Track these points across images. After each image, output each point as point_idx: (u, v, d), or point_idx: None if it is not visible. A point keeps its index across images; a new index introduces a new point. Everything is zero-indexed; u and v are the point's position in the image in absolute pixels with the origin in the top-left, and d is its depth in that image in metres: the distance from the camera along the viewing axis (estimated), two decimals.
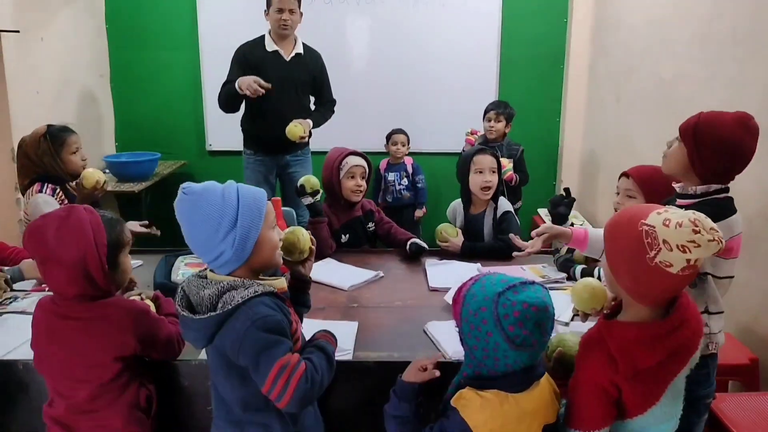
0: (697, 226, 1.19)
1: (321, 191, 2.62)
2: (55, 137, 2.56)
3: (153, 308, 1.73)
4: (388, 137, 4.38)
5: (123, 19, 4.47)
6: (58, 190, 2.57)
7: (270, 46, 3.51)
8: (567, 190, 2.55)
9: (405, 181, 4.36)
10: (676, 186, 1.88)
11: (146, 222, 2.65)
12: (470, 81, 4.54)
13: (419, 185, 4.38)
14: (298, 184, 2.58)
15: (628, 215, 1.28)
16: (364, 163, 2.68)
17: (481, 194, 2.64)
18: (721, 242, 1.20)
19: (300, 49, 3.57)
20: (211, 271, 1.42)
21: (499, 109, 3.88)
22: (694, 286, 1.74)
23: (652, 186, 2.20)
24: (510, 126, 3.92)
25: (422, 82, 4.57)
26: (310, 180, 2.58)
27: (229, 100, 3.46)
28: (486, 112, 3.92)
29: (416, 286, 2.30)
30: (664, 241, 1.19)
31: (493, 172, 2.62)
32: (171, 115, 4.61)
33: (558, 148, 4.71)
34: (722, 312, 1.78)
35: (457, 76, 4.54)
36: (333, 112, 3.75)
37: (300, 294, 1.67)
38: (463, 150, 3.90)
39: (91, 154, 4.12)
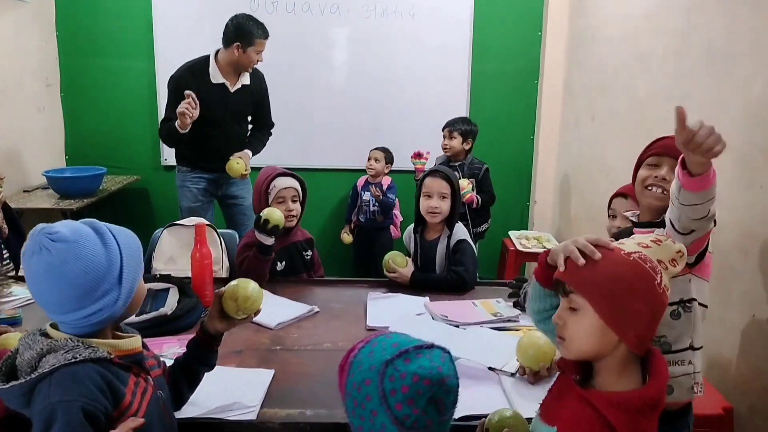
0: (660, 240, 1.13)
1: (282, 227, 2.33)
2: None
3: None
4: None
5: (75, 24, 4.22)
6: None
7: (216, 77, 3.27)
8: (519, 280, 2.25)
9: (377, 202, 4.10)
10: (631, 215, 1.67)
11: None
12: (442, 95, 4.32)
13: (388, 202, 4.06)
14: (261, 218, 2.27)
15: (607, 257, 1.08)
16: (295, 184, 2.44)
17: (429, 218, 2.42)
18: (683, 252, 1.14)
19: (246, 80, 3.35)
20: (52, 326, 1.17)
21: (453, 126, 3.66)
22: (678, 317, 1.53)
23: None
24: (470, 143, 3.69)
25: (393, 96, 4.34)
26: (274, 214, 2.27)
27: (171, 138, 3.24)
28: (443, 129, 3.70)
29: (353, 323, 2.06)
30: (660, 261, 1.09)
31: (444, 197, 2.39)
32: (124, 127, 4.35)
33: (532, 167, 4.49)
34: (702, 347, 1.58)
35: (428, 90, 4.33)
36: (270, 135, 3.57)
37: (205, 352, 1.44)
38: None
39: (35, 168, 3.91)
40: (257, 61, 3.26)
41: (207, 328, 1.44)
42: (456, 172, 3.63)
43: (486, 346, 1.84)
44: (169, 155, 4.34)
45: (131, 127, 4.36)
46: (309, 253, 2.54)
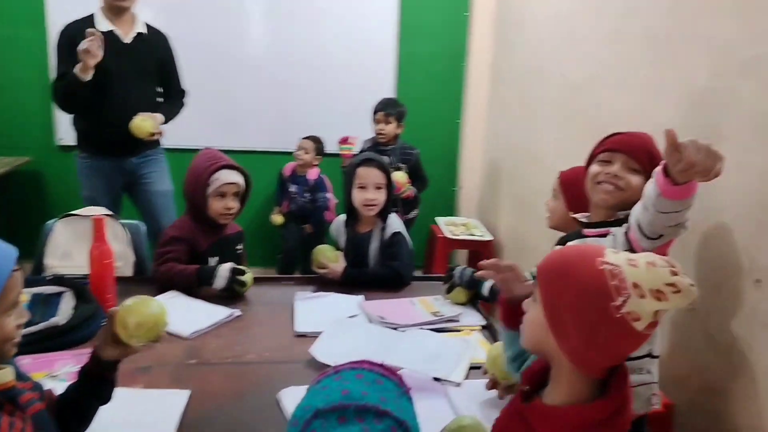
0: (675, 267, 0.91)
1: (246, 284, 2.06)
2: None
3: None
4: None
5: None
6: None
7: (102, 24, 2.84)
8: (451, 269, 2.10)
9: (308, 195, 3.87)
10: (581, 216, 1.55)
11: None
12: (369, 76, 4.11)
13: (318, 203, 3.85)
14: (231, 270, 2.01)
15: (576, 252, 1.00)
16: (240, 179, 2.16)
17: (365, 211, 2.23)
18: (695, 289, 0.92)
19: (142, 29, 2.96)
20: None
21: (388, 108, 3.46)
22: None
23: (572, 188, 1.90)
24: (402, 126, 3.52)
25: (318, 76, 4.09)
26: (249, 278, 2.05)
27: (69, 93, 2.76)
28: (374, 112, 3.50)
29: (280, 330, 1.84)
30: (635, 285, 0.90)
31: (379, 188, 2.20)
32: (11, 102, 3.88)
33: (458, 152, 4.37)
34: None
35: (355, 70, 4.10)
36: (184, 104, 3.18)
37: (96, 383, 1.18)
38: (362, 150, 3.48)
39: None
40: None
41: (100, 356, 1.18)
42: (387, 157, 3.46)
43: (429, 352, 1.68)
44: (65, 134, 3.91)
45: (20, 103, 3.89)
46: (240, 246, 2.30)
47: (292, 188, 3.88)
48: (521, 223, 3.58)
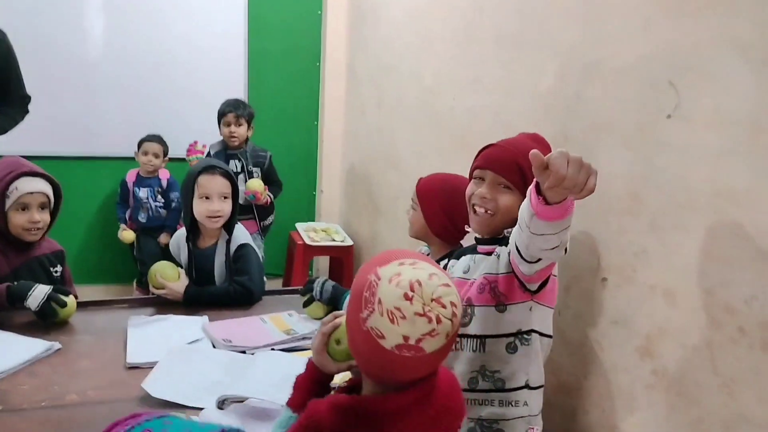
0: (412, 291, 0.88)
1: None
2: None
3: None
4: (139, 145, 3.54)
5: None
6: None
7: None
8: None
9: (160, 198, 3.57)
10: (470, 230, 1.50)
11: None
12: (217, 76, 3.85)
13: (173, 204, 3.57)
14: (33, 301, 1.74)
15: (378, 258, 0.97)
16: (45, 188, 1.87)
17: (209, 223, 2.03)
18: (440, 320, 0.87)
19: None
20: None
21: (239, 110, 3.26)
22: (515, 350, 1.35)
23: (430, 198, 1.81)
24: (252, 128, 3.34)
25: (162, 76, 3.77)
26: (71, 307, 1.79)
27: None
28: (222, 114, 3.28)
29: (108, 362, 1.62)
30: (380, 301, 0.89)
31: (225, 198, 2.02)
32: None
33: (317, 155, 4.25)
34: (543, 386, 1.42)
35: (202, 70, 3.83)
36: (26, 111, 2.77)
37: None
38: (209, 154, 3.25)
39: None
40: None
41: None
42: (238, 161, 3.26)
43: (280, 377, 1.53)
44: None
45: None
46: (58, 268, 1.99)
47: (142, 194, 3.56)
48: (381, 228, 3.53)
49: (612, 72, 1.77)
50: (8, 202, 1.81)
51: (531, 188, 1.13)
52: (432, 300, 0.88)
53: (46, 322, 1.78)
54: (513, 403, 1.39)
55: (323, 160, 4.22)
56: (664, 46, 1.59)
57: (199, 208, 2.01)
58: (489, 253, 1.43)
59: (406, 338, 0.88)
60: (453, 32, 2.70)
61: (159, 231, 3.59)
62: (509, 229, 1.37)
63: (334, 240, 3.73)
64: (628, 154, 1.70)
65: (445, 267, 1.56)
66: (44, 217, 1.88)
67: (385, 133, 3.50)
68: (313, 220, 4.19)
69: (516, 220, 1.33)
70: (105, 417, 1.35)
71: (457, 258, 1.54)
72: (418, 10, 3.03)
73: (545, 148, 1.44)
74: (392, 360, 0.90)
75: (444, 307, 0.89)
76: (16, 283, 1.79)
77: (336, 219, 4.20)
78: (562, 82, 1.99)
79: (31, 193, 1.83)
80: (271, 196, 3.35)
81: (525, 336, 1.37)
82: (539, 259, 1.24)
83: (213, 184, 2.00)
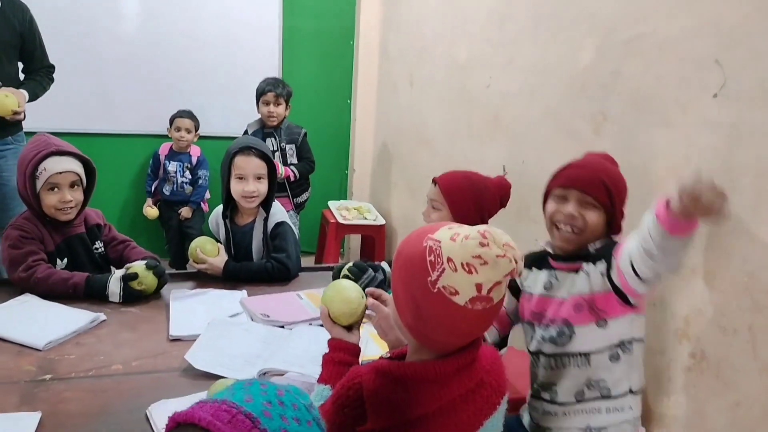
0: (485, 238, 0.92)
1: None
2: None
3: None
4: (171, 121, 3.60)
5: None
6: None
7: None
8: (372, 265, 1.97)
9: (188, 174, 3.65)
10: (545, 244, 1.49)
11: None
12: (252, 54, 3.87)
13: (200, 181, 3.66)
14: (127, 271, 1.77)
15: (419, 231, 1.00)
16: (75, 167, 1.87)
17: (244, 203, 2.06)
18: (515, 261, 0.93)
19: None
20: None
21: (278, 89, 3.27)
22: (618, 359, 1.36)
23: (459, 197, 1.80)
24: (289, 107, 3.36)
25: (197, 53, 3.80)
26: (147, 277, 1.81)
27: None
28: (261, 93, 3.28)
29: (152, 334, 1.66)
30: (449, 260, 0.93)
31: (260, 178, 2.04)
32: None
33: (350, 133, 4.26)
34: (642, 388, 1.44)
35: (237, 48, 3.85)
36: (52, 80, 2.82)
37: None
38: (246, 132, 3.27)
39: None
40: None
41: None
42: (273, 139, 3.29)
43: (317, 351, 1.55)
44: None
45: None
46: (99, 245, 2.02)
47: (171, 167, 3.64)
48: (413, 207, 3.53)
49: (653, 48, 1.74)
50: (38, 183, 1.82)
51: (659, 208, 1.13)
52: (503, 244, 0.92)
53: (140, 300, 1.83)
54: (619, 409, 1.39)
55: (356, 139, 4.23)
56: (709, 22, 1.56)
57: (235, 188, 2.03)
58: (571, 270, 1.43)
59: (479, 288, 0.91)
60: (488, 13, 2.67)
61: (181, 205, 3.67)
62: (594, 245, 1.40)
63: (366, 219, 3.74)
64: (669, 133, 1.67)
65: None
66: (76, 195, 1.88)
67: (417, 112, 3.49)
68: (346, 199, 4.22)
69: (599, 237, 1.39)
70: (149, 387, 1.40)
71: (529, 268, 1.54)
72: None
73: (615, 165, 1.47)
74: (462, 316, 0.93)
75: (514, 249, 0.93)
76: (90, 276, 1.83)
77: (368, 197, 4.21)
78: (601, 59, 1.97)
79: (60, 172, 1.83)
80: (296, 171, 3.35)
81: (627, 345, 1.38)
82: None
83: (248, 165, 2.01)
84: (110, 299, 1.79)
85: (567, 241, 1.44)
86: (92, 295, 1.80)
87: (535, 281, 1.52)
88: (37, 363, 1.47)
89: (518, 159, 2.40)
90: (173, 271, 2.18)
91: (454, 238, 0.94)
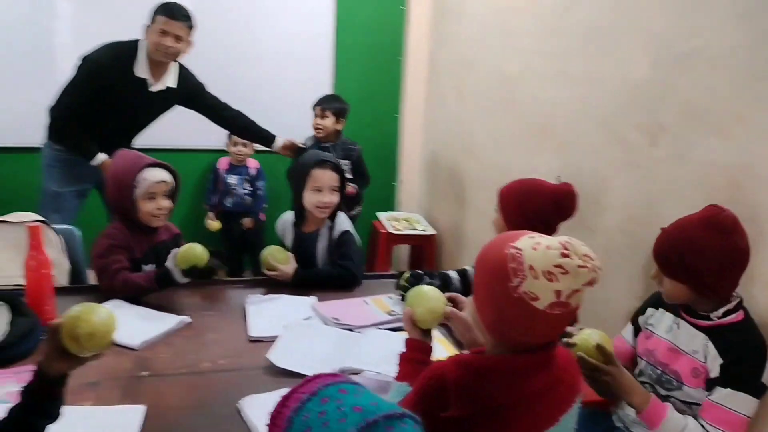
0: (567, 249, 1.01)
1: (212, 269, 1.97)
2: None
3: None
4: (229, 135, 3.76)
5: None
6: None
7: (140, 70, 2.76)
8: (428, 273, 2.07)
9: (248, 186, 3.81)
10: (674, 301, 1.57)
11: None
12: (306, 70, 4.01)
13: (259, 192, 3.83)
14: (171, 263, 1.89)
15: (501, 238, 1.09)
16: (168, 177, 2.04)
17: (318, 213, 2.18)
18: (595, 270, 1.01)
19: (172, 82, 2.89)
20: None
21: (325, 103, 3.41)
22: None
23: (507, 202, 1.93)
24: (342, 122, 3.48)
25: (253, 70, 3.94)
26: (192, 253, 1.90)
27: (69, 144, 2.76)
28: (313, 108, 3.45)
29: (233, 336, 1.78)
30: (530, 267, 1.01)
31: (334, 190, 2.16)
32: None
33: (397, 146, 4.37)
34: None
35: (291, 64, 3.99)
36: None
37: (44, 401, 1.10)
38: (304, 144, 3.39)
39: None
40: (164, 47, 2.72)
41: (46, 371, 1.10)
42: (330, 154, 3.41)
43: (387, 352, 1.65)
44: None
45: None
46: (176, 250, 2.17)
47: (231, 180, 3.79)
48: (462, 217, 3.62)
49: (707, 62, 1.80)
50: (138, 192, 1.98)
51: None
52: (583, 255, 1.01)
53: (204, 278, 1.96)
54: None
55: (404, 151, 4.34)
56: (764, 37, 1.61)
57: (311, 199, 2.15)
58: (694, 326, 1.51)
59: (558, 294, 0.99)
60: (538, 27, 2.75)
61: (242, 216, 3.82)
62: (716, 313, 1.47)
63: (416, 229, 3.83)
64: (726, 143, 1.73)
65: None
66: (168, 203, 2.06)
67: (465, 124, 3.58)
68: (393, 210, 4.32)
69: (690, 299, 1.49)
70: (236, 383, 1.52)
71: (656, 307, 1.63)
72: (503, 6, 3.09)
73: (719, 233, 1.43)
74: (541, 319, 1.01)
75: (594, 260, 1.02)
76: (156, 273, 1.96)
77: (416, 208, 4.31)
78: (654, 72, 2.03)
79: (157, 182, 2.01)
80: (356, 187, 3.49)
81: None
82: None
83: (325, 178, 2.13)
84: (178, 281, 1.90)
85: (666, 298, 1.54)
86: (164, 286, 1.92)
87: (659, 321, 1.61)
88: (134, 361, 1.60)
89: (569, 168, 2.47)
90: (247, 278, 2.30)
91: (536, 248, 1.02)
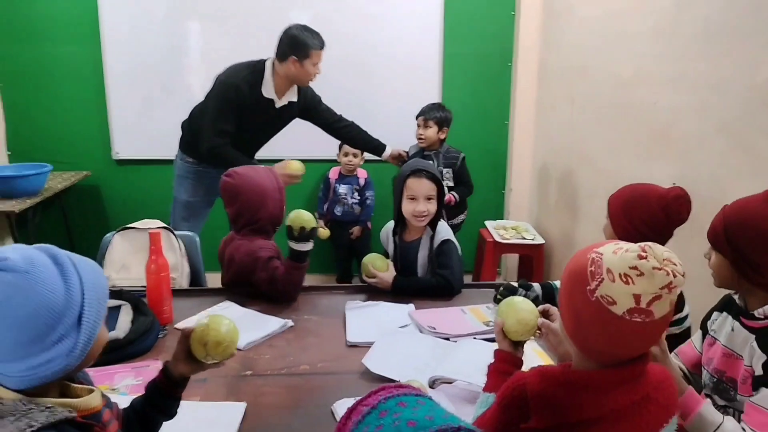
0: (645, 252, 0.96)
1: (316, 228, 2.08)
2: None
3: None
4: (340, 146, 3.90)
5: (9, 8, 3.84)
6: None
7: (268, 91, 3.00)
8: (524, 284, 2.02)
9: (357, 196, 3.93)
10: (738, 298, 1.48)
11: None
12: (413, 80, 4.07)
13: (368, 201, 3.93)
14: (294, 228, 2.02)
15: (589, 246, 1.06)
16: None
17: (415, 222, 2.20)
18: (675, 275, 0.94)
19: (293, 96, 3.11)
20: None
21: (427, 114, 3.44)
22: None
23: (615, 208, 1.86)
24: (445, 131, 3.49)
25: (362, 81, 4.07)
26: (300, 218, 2.03)
27: (227, 163, 2.88)
28: (416, 117, 3.49)
29: (331, 340, 1.84)
30: (608, 270, 0.98)
31: (430, 199, 2.17)
32: (70, 118, 4.00)
33: (507, 154, 4.31)
34: None
35: (399, 74, 4.07)
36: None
37: (165, 399, 1.21)
38: (407, 152, 3.44)
39: None
40: (315, 74, 3.00)
41: (171, 372, 1.21)
42: (431, 162, 3.44)
43: (482, 363, 1.64)
44: (121, 148, 4.05)
45: (78, 119, 4.01)
46: None
47: (342, 189, 3.91)
48: (573, 227, 3.50)
49: None
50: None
51: None
52: (664, 259, 0.96)
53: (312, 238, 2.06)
54: None
55: (513, 158, 4.27)
56: None
57: (407, 208, 2.18)
58: (746, 327, 1.40)
59: (638, 299, 0.95)
60: (653, 28, 2.62)
61: (351, 225, 3.92)
62: (761, 311, 1.36)
63: (524, 238, 3.76)
64: None
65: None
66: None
67: (577, 131, 3.47)
68: (502, 218, 4.26)
69: (733, 279, 1.40)
70: (332, 386, 1.57)
71: (720, 311, 1.54)
72: (616, 9, 2.97)
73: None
74: (620, 327, 0.97)
75: (675, 264, 0.96)
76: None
77: (525, 217, 4.22)
78: None
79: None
80: (457, 196, 3.48)
81: None
82: None
83: (419, 187, 2.15)
84: (303, 250, 2.04)
85: (713, 277, 1.45)
86: (303, 260, 2.06)
87: (720, 327, 1.50)
88: (239, 361, 1.70)
89: (688, 176, 2.33)
90: (348, 284, 2.36)
91: (616, 252, 0.99)
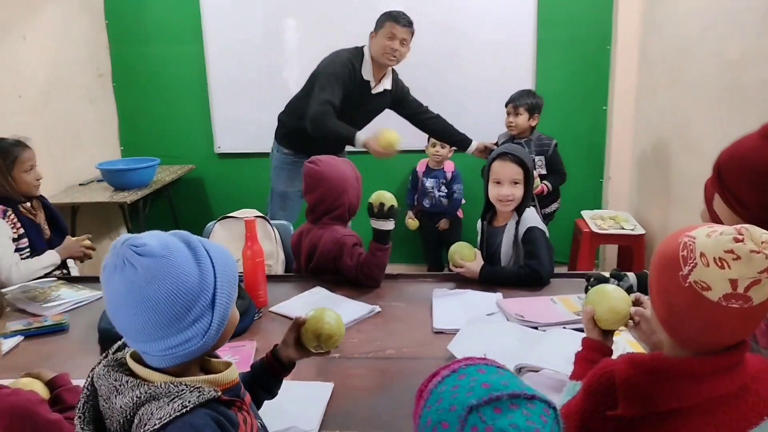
0: (741, 234, 0.91)
1: (395, 206, 2.14)
2: (7, 153, 2.25)
3: (45, 396, 1.34)
4: (429, 137, 3.89)
5: (123, 11, 4.14)
6: (9, 212, 2.26)
7: (367, 73, 3.10)
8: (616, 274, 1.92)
9: (444, 189, 3.93)
10: None
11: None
12: (506, 67, 4.01)
13: (455, 195, 3.92)
14: (374, 206, 2.10)
15: (679, 230, 1.01)
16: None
17: (500, 206, 2.18)
18: None
19: (388, 84, 3.19)
20: (135, 361, 0.98)
21: (516, 101, 3.37)
22: None
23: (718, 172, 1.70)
24: (536, 118, 3.41)
25: (453, 69, 4.06)
26: (381, 196, 2.10)
27: (333, 136, 3.01)
28: (506, 105, 3.43)
29: (418, 326, 1.86)
30: (701, 255, 0.93)
31: (516, 183, 2.14)
32: (176, 114, 4.27)
33: (605, 141, 4.15)
34: None
35: (491, 62, 4.02)
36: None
37: (270, 379, 1.29)
38: (497, 143, 3.40)
39: (89, 161, 3.86)
40: (391, 50, 3.00)
41: (280, 355, 1.30)
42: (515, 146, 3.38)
43: (571, 353, 1.60)
44: (222, 143, 4.26)
45: (183, 116, 4.28)
46: None
47: (429, 183, 3.92)
48: (677, 216, 3.33)
49: None
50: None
51: None
52: (762, 242, 0.90)
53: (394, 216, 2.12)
54: None
55: (612, 146, 4.11)
56: None
57: (492, 192, 2.17)
58: None
59: (734, 284, 0.90)
60: (764, 4, 2.44)
61: (440, 216, 3.92)
62: None
63: (623, 228, 3.62)
64: None
65: None
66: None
67: (681, 115, 3.29)
68: (600, 208, 4.12)
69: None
70: (417, 371, 1.57)
71: None
72: None
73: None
74: (716, 313, 0.93)
75: None
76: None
77: (625, 207, 4.06)
78: None
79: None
80: (549, 185, 3.40)
81: None
82: None
83: (504, 170, 2.13)
84: (386, 229, 2.11)
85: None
86: (387, 241, 2.12)
87: None
88: None
89: None
90: (436, 272, 2.37)
91: (710, 235, 0.94)
